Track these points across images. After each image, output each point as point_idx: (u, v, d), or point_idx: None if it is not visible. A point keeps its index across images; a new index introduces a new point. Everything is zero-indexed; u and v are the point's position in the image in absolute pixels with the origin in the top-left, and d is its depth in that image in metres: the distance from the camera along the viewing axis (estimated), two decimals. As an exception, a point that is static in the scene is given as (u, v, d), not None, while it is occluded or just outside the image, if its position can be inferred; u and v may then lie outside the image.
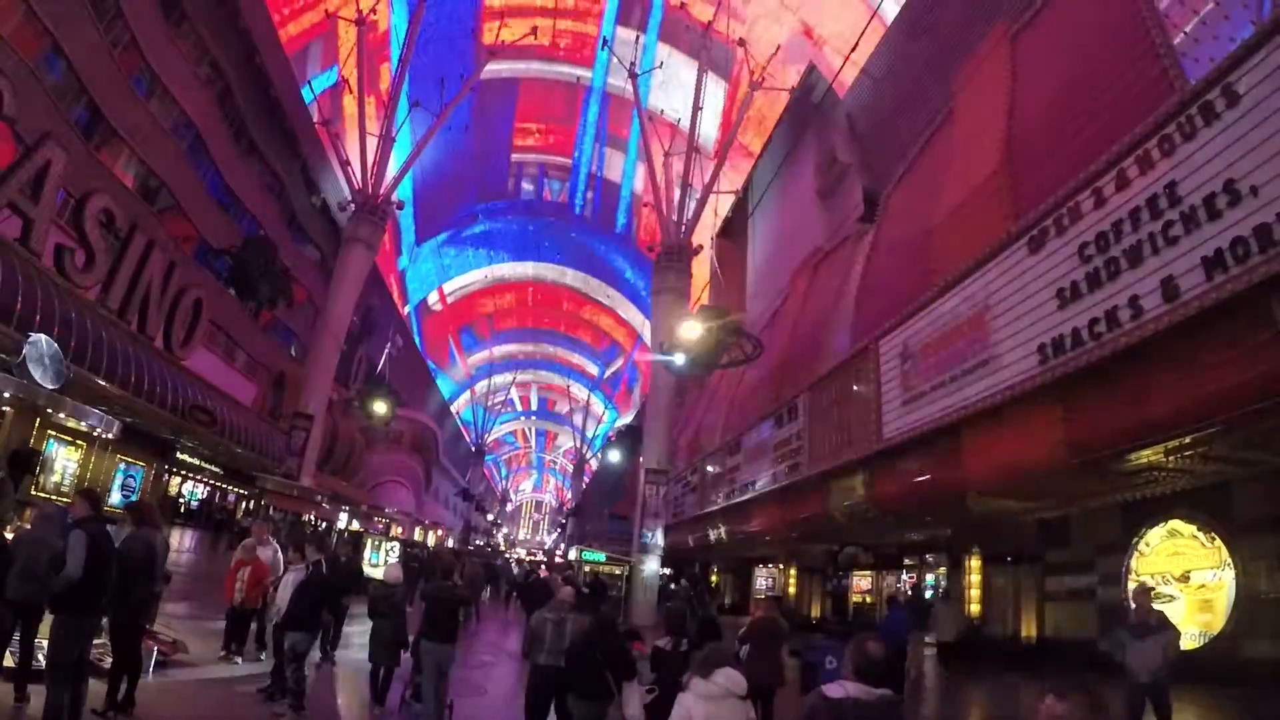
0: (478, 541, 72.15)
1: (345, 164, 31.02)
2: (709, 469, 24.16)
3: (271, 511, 25.88)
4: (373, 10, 31.87)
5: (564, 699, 7.42)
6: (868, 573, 22.50)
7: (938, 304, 11.47)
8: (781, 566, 27.04)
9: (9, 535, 7.71)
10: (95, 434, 11.51)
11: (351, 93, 35.40)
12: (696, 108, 30.20)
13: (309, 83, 37.72)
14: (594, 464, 78.72)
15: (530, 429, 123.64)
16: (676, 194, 29.11)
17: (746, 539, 21.92)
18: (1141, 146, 7.83)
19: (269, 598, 9.87)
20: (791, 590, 25.66)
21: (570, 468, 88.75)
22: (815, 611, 24.55)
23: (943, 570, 18.47)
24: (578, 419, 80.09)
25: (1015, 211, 10.33)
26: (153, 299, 22.90)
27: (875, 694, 3.50)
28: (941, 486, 11.44)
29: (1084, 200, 8.56)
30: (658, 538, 24.79)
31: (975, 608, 16.48)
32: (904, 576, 20.95)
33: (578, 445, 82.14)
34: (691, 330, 17.69)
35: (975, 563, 16.68)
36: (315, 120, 34.86)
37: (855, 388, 14.31)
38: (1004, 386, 9.50)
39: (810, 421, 16.30)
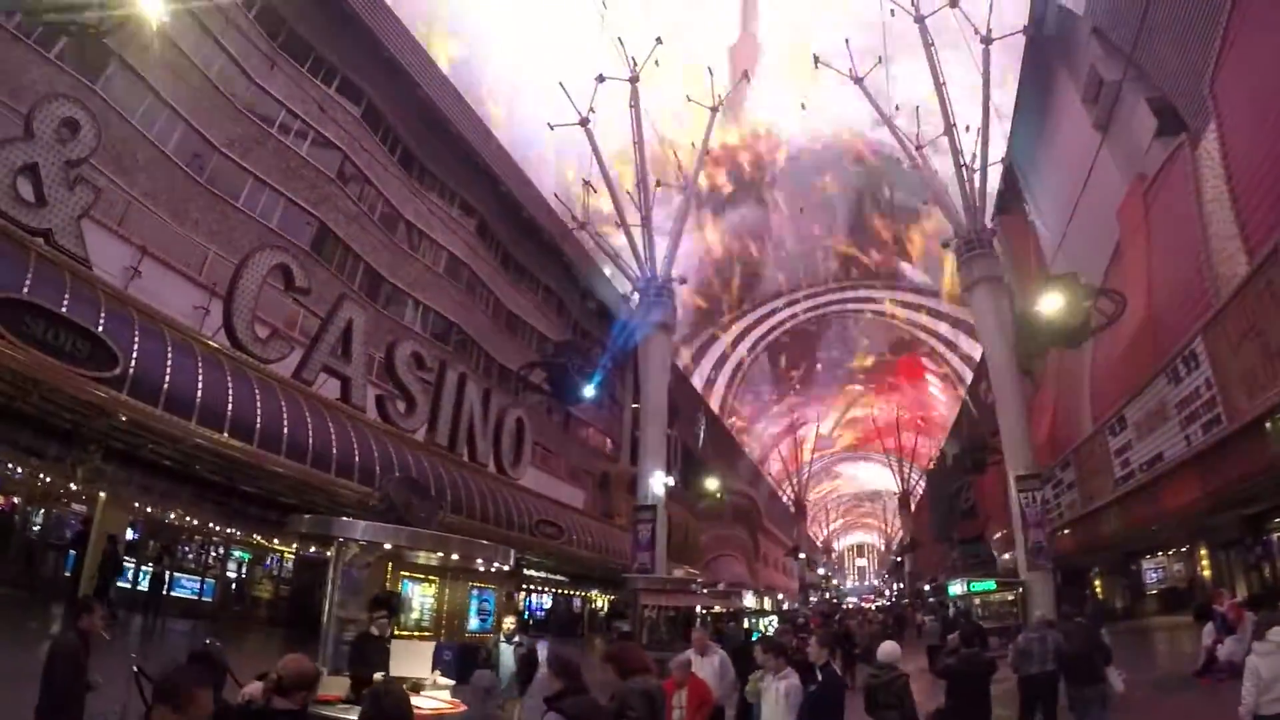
0: (813, 598, 69.40)
1: (615, 257, 31.64)
2: (1084, 459, 20.85)
3: (647, 611, 25.50)
4: (590, 109, 32.62)
5: (1051, 697, 9.82)
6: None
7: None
8: (1173, 550, 24.29)
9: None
10: (489, 569, 11.28)
11: (596, 192, 36.53)
12: (939, 84, 27.55)
13: (555, 194, 39.50)
14: (918, 492, 73.90)
15: (841, 469, 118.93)
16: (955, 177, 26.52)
17: (1147, 525, 20.34)
18: None
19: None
20: (1206, 573, 22.14)
21: (896, 502, 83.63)
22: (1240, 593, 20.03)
23: None
24: (891, 443, 75.49)
25: None
26: (477, 428, 24.16)
27: None
28: None
29: None
30: (1045, 549, 21.64)
31: None
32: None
33: (900, 480, 77.46)
34: (1053, 303, 17.46)
35: None
36: (571, 227, 36.25)
37: (1273, 305, 12.01)
38: None
39: (1219, 363, 14.13)
